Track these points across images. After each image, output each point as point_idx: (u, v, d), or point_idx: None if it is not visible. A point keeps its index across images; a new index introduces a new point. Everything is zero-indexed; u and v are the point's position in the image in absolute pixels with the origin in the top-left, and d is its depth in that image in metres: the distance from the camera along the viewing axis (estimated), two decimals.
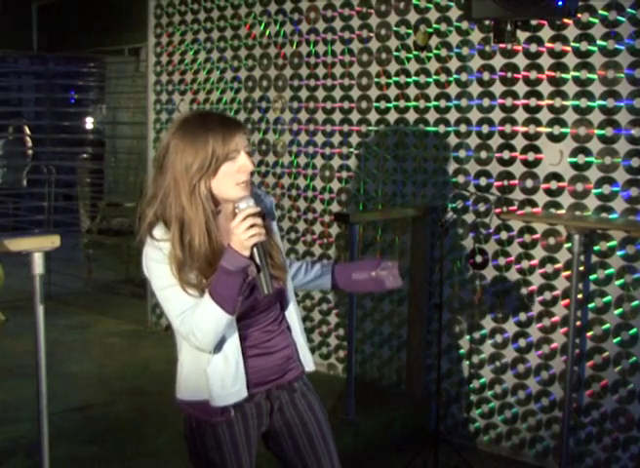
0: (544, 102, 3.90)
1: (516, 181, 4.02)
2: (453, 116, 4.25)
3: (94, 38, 7.81)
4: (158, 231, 2.02)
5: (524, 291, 4.01)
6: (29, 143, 9.28)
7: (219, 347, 2.05)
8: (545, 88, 3.90)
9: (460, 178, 4.22)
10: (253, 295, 2.08)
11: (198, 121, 2.04)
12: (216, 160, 1.98)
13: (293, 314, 2.26)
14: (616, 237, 3.73)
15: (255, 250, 1.96)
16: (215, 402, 2.07)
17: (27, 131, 9.23)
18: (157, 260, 2.02)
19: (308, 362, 2.28)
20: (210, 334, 1.99)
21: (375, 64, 4.57)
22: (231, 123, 2.06)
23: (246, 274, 1.97)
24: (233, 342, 2.07)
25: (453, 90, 4.24)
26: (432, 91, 4.33)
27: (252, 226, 1.92)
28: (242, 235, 1.92)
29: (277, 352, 2.19)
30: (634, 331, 3.70)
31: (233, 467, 2.14)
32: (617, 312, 3.74)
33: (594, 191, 3.78)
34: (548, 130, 3.90)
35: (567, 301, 3.82)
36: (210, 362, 2.06)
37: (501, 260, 4.09)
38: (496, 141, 4.09)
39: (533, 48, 3.92)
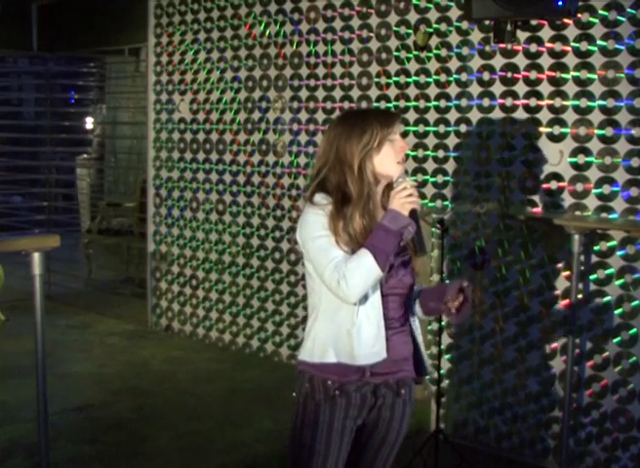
0: (544, 102, 3.90)
1: (517, 181, 4.02)
2: (453, 116, 4.25)
3: (94, 38, 7.80)
4: (319, 196, 2.25)
5: (524, 290, 4.01)
6: None
7: (363, 309, 2.18)
8: (545, 88, 3.90)
9: (461, 178, 4.22)
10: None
11: (360, 112, 2.51)
12: (379, 140, 2.24)
13: (416, 317, 2.37)
14: (616, 237, 3.73)
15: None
16: (355, 360, 2.18)
17: None
18: (317, 214, 2.21)
19: (427, 367, 2.38)
20: (358, 284, 2.11)
21: (375, 64, 4.57)
22: (390, 111, 2.45)
23: (400, 238, 2.16)
24: (375, 304, 2.20)
25: (453, 90, 4.24)
26: (432, 91, 4.33)
27: (410, 195, 2.18)
28: (402, 199, 2.17)
29: (397, 347, 2.26)
30: (634, 330, 3.70)
31: (321, 448, 2.22)
32: (617, 312, 3.74)
33: (594, 191, 3.77)
34: (548, 130, 3.90)
35: (567, 301, 3.82)
36: (354, 323, 2.18)
37: (501, 260, 4.09)
38: (496, 141, 4.09)
39: (533, 48, 3.92)
